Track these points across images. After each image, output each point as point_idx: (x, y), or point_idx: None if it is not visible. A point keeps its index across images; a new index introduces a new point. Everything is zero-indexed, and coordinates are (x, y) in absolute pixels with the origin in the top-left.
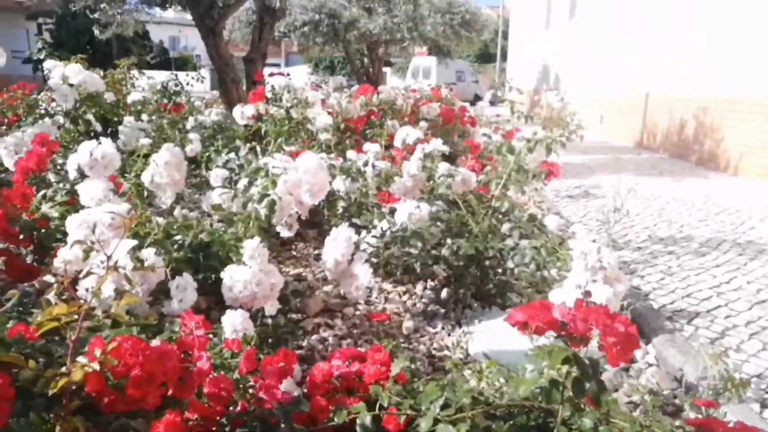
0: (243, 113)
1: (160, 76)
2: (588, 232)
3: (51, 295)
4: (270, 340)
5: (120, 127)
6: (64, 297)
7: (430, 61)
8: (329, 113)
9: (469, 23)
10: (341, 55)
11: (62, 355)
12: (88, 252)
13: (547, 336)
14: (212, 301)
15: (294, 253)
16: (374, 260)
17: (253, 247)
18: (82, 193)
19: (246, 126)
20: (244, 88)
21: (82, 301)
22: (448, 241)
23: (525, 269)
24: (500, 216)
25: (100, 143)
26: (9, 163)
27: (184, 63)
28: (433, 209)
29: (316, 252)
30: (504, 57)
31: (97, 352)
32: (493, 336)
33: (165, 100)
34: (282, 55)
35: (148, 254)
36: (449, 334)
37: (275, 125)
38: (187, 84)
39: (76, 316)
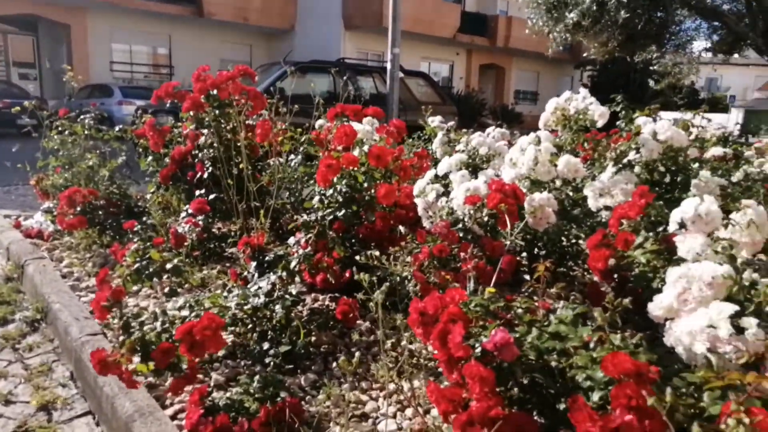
0: None
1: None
2: None
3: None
4: None
5: (694, 181)
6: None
7: None
8: None
9: None
10: None
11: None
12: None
13: None
14: None
15: None
16: None
17: None
18: (680, 246)
19: None
20: None
21: None
22: None
23: None
24: None
25: (703, 200)
26: (593, 204)
27: (713, 104)
28: None
29: None
30: None
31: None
32: None
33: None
34: None
35: (750, 323)
36: None
37: None
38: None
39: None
